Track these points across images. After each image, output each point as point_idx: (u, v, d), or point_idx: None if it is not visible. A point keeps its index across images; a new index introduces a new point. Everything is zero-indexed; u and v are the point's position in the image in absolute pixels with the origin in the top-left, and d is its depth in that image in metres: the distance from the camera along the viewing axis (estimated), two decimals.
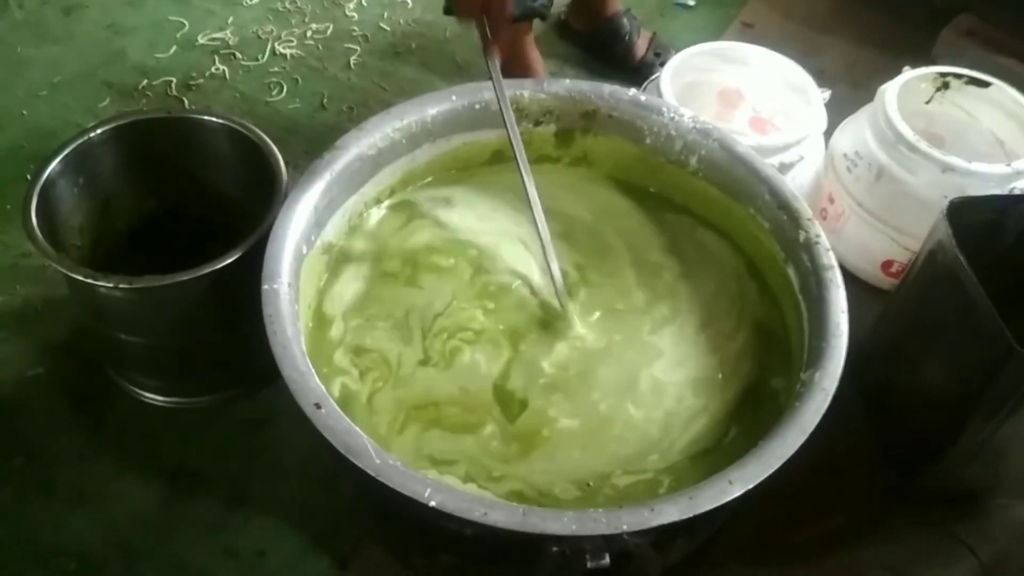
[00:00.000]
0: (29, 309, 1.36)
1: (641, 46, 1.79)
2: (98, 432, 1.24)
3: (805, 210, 1.13)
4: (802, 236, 1.11)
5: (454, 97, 1.22)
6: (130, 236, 1.30)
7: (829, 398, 0.96)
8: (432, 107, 1.21)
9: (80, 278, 1.06)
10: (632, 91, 1.26)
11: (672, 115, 1.23)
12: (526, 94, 1.24)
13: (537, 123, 1.26)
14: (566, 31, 1.84)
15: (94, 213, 1.24)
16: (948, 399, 1.17)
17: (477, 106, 1.23)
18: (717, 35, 1.93)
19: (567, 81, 1.26)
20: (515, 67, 1.66)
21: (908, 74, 1.44)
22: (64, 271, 1.07)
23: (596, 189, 1.29)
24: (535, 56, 1.66)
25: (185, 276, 1.06)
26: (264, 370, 1.07)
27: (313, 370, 0.96)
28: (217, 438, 1.23)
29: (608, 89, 1.25)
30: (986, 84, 1.44)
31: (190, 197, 1.30)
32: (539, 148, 1.28)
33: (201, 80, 1.74)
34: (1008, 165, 1.32)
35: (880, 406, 1.30)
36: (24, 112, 1.65)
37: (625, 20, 1.78)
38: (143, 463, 1.21)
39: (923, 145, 1.32)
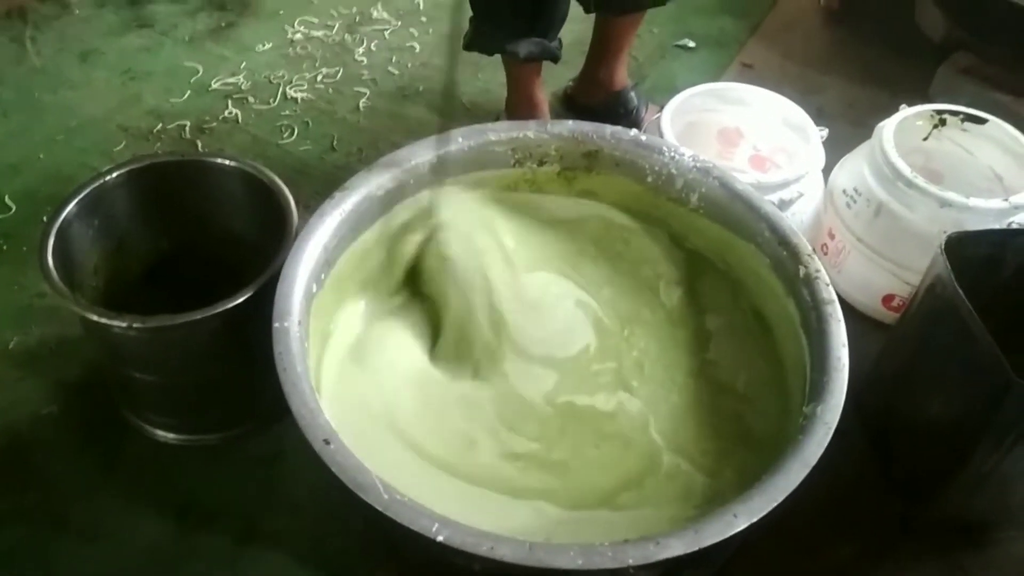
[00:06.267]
0: (44, 348, 1.38)
1: (648, 120, 1.76)
2: (111, 468, 1.26)
3: (805, 245, 1.15)
4: (802, 271, 1.13)
5: (460, 138, 1.25)
6: (144, 275, 1.33)
7: (831, 431, 0.98)
8: (439, 149, 1.24)
9: (95, 318, 1.09)
10: (633, 131, 1.29)
11: (672, 154, 1.26)
12: (530, 135, 1.27)
13: (541, 163, 1.29)
14: (572, 105, 1.81)
15: (109, 254, 1.27)
16: (951, 431, 1.18)
17: (482, 147, 1.26)
18: (717, 76, 1.97)
19: (570, 122, 1.30)
20: (521, 108, 1.69)
21: (905, 112, 1.46)
22: (79, 311, 1.10)
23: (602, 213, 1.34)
24: (542, 98, 1.69)
25: (198, 315, 1.08)
26: (274, 406, 1.09)
27: (322, 407, 0.98)
28: (228, 474, 1.25)
29: (610, 130, 1.28)
30: (983, 121, 1.47)
31: (202, 237, 1.33)
32: (543, 185, 1.31)
33: (214, 124, 1.78)
34: (1006, 200, 1.34)
35: (884, 438, 1.31)
36: (41, 156, 1.69)
37: (633, 94, 1.76)
38: (155, 499, 1.22)
39: (920, 181, 1.35)
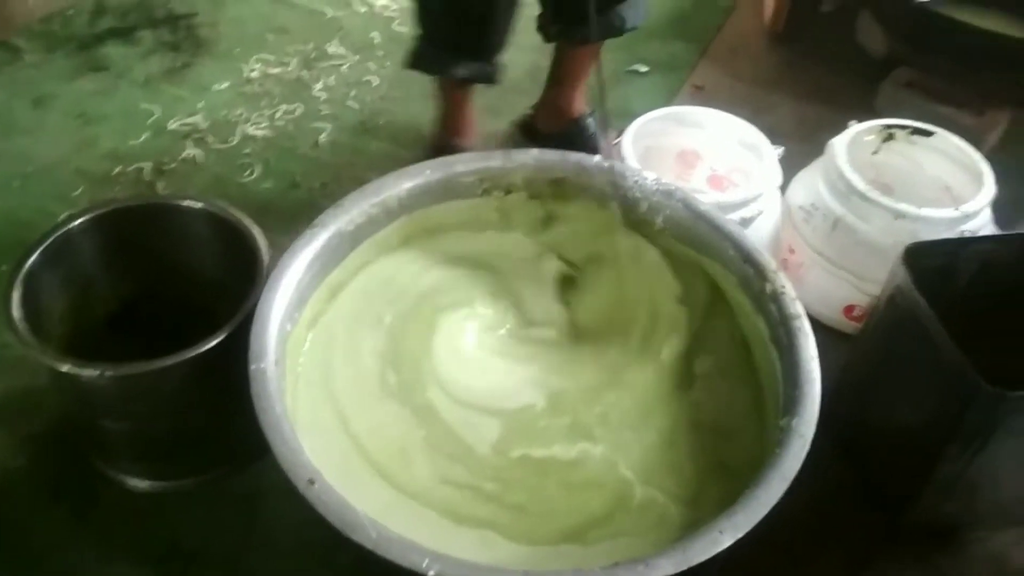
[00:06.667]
0: (10, 400, 1.35)
1: (607, 145, 1.76)
2: (84, 519, 1.23)
3: (770, 262, 1.18)
4: (768, 287, 1.16)
5: (428, 171, 1.26)
6: (111, 321, 1.32)
7: (807, 444, 1.00)
8: (407, 181, 1.25)
9: (64, 368, 1.07)
10: (597, 158, 1.31)
11: (636, 178, 1.29)
12: (496, 164, 1.29)
13: (508, 191, 1.31)
14: (531, 132, 1.85)
15: (74, 301, 1.25)
16: (919, 437, 1.21)
17: (449, 178, 1.27)
18: (670, 98, 2.01)
19: (535, 151, 1.32)
20: (455, 126, 1.73)
21: (855, 128, 1.51)
22: (48, 362, 1.08)
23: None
24: (473, 119, 1.74)
25: (170, 360, 1.07)
26: (250, 447, 1.09)
27: (304, 446, 0.97)
28: (208, 517, 1.23)
29: (574, 157, 1.31)
30: (929, 133, 1.53)
31: (170, 280, 1.32)
32: (510, 213, 1.32)
33: (174, 164, 1.77)
34: (956, 209, 1.39)
35: (855, 447, 1.34)
36: None
37: (591, 120, 1.79)
38: (132, 548, 1.20)
39: (874, 194, 1.39)
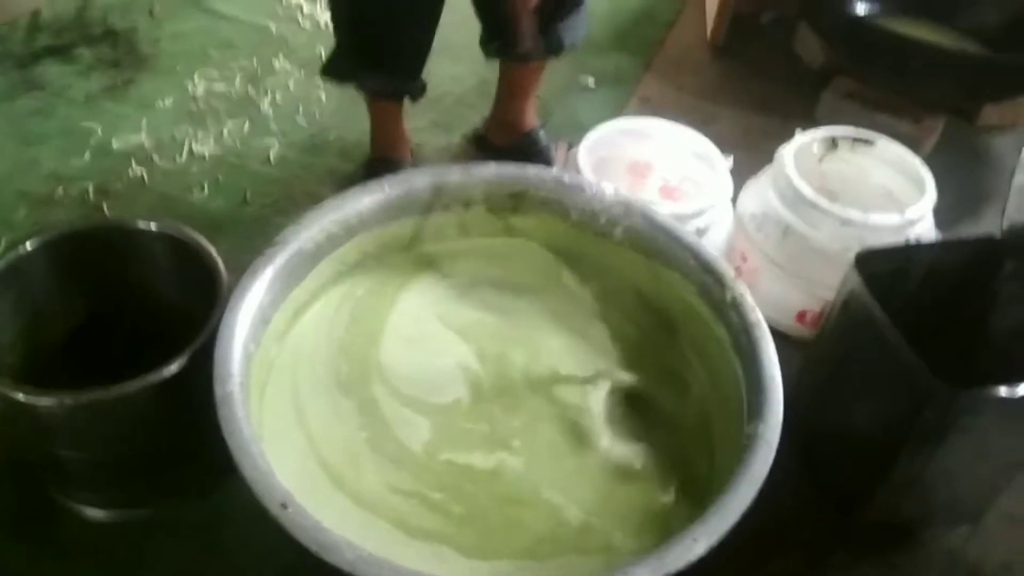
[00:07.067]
0: None
1: (559, 157, 1.82)
2: (42, 553, 1.19)
3: (729, 270, 1.21)
4: (728, 295, 1.18)
5: (387, 187, 1.26)
6: (64, 347, 1.28)
7: (773, 449, 1.02)
8: (366, 197, 1.25)
9: (20, 397, 1.04)
10: (555, 171, 1.32)
11: (594, 191, 1.30)
12: (455, 179, 1.29)
13: (467, 205, 1.31)
14: (484, 145, 1.86)
15: (26, 327, 1.22)
16: (876, 438, 1.24)
17: (408, 193, 1.27)
18: (618, 111, 2.04)
19: (493, 165, 1.32)
20: (381, 142, 1.75)
21: (801, 137, 1.55)
22: (2, 391, 1.04)
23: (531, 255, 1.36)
24: (403, 134, 1.77)
25: (132, 386, 1.05)
26: (213, 471, 1.07)
27: (274, 468, 0.96)
28: (169, 545, 1.20)
29: (532, 171, 1.32)
30: (871, 142, 1.58)
31: (123, 303, 1.29)
32: (470, 227, 1.33)
33: (119, 185, 1.73)
34: (901, 215, 1.44)
35: (812, 450, 1.37)
36: None
37: (542, 133, 1.81)
38: None
39: (823, 202, 1.43)
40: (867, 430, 1.26)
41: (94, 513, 1.22)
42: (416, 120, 1.87)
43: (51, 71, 2.00)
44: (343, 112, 1.92)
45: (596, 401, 1.19)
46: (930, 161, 1.55)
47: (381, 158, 1.73)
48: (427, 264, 1.33)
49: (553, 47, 1.61)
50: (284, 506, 0.91)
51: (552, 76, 2.09)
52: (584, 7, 1.63)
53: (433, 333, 1.26)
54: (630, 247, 1.30)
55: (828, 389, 1.35)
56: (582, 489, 1.11)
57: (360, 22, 1.54)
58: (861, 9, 2.11)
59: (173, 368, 1.06)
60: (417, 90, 1.67)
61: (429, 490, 1.09)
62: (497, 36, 1.62)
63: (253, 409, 1.06)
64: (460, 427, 1.16)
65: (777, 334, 1.52)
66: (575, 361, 1.24)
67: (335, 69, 1.63)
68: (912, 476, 1.21)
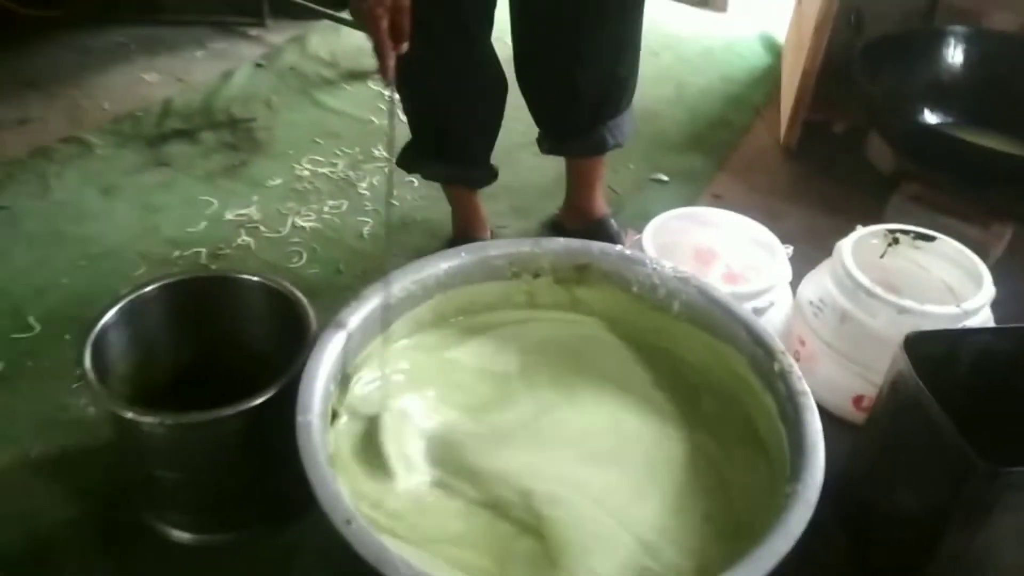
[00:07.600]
0: (65, 457, 1.45)
1: (627, 242, 1.90)
2: (127, 571, 1.30)
3: (778, 343, 1.27)
4: (776, 366, 1.24)
5: (464, 253, 1.39)
6: (167, 387, 1.42)
7: (812, 508, 1.06)
8: (444, 262, 1.38)
9: (128, 415, 1.17)
10: (619, 247, 1.43)
11: (655, 266, 1.40)
12: (526, 250, 1.41)
13: (536, 275, 1.42)
14: (559, 230, 2.00)
15: (138, 363, 1.36)
16: (921, 518, 1.26)
17: (483, 260, 1.40)
18: (689, 205, 2.13)
19: (562, 240, 1.44)
20: (459, 223, 1.90)
21: (861, 231, 1.62)
22: (113, 408, 1.19)
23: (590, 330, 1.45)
24: (478, 217, 1.92)
25: (226, 412, 1.17)
26: (291, 505, 1.17)
27: (343, 491, 1.06)
28: (243, 571, 1.30)
29: (597, 246, 1.43)
30: (932, 238, 1.63)
31: (223, 350, 1.43)
32: (537, 296, 1.44)
33: (228, 250, 1.92)
34: (958, 307, 1.48)
35: (862, 531, 1.39)
36: (65, 281, 1.81)
37: (613, 221, 1.94)
38: None
39: (879, 291, 1.49)
40: (913, 510, 1.28)
41: (180, 535, 1.33)
42: (497, 205, 2.03)
43: (177, 151, 2.24)
44: (431, 196, 2.08)
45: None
46: (998, 268, 1.59)
47: (462, 237, 1.87)
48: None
49: (599, 146, 1.77)
50: (348, 522, 1.01)
51: (627, 172, 2.24)
52: (630, 110, 1.78)
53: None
54: (687, 321, 1.38)
55: (876, 470, 1.38)
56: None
57: (423, 115, 1.71)
58: (931, 119, 2.19)
59: (264, 397, 1.19)
60: (483, 178, 1.82)
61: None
62: (547, 135, 1.80)
63: (329, 439, 1.17)
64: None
65: (834, 418, 1.59)
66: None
67: (404, 159, 1.78)
68: (958, 555, 1.22)
